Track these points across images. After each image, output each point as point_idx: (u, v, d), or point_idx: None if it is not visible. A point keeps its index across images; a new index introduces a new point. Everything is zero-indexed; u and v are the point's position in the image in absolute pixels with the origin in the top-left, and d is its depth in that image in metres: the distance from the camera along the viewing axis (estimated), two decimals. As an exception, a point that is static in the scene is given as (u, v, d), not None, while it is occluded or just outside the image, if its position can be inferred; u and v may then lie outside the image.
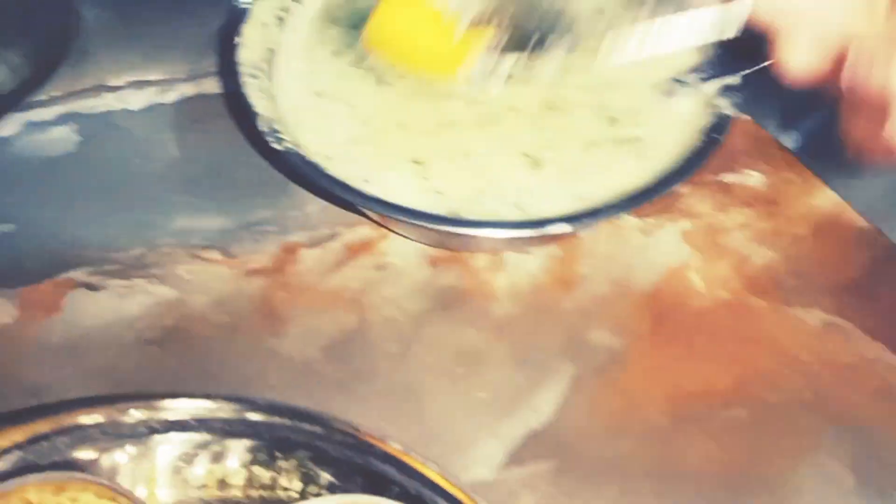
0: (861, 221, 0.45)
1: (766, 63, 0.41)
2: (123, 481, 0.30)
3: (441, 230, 0.35)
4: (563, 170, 0.39)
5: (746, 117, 0.49)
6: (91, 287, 0.40)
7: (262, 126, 0.37)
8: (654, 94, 0.42)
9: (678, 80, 0.42)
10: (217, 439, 0.31)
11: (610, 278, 0.42)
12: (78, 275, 0.41)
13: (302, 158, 0.36)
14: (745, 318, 0.41)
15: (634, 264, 0.43)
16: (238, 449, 0.32)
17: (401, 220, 0.35)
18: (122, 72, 0.49)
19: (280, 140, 0.36)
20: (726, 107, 0.39)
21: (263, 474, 0.32)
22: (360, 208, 0.35)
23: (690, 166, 0.37)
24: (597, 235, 0.43)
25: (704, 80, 0.41)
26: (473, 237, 0.35)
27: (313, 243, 0.43)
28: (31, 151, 0.46)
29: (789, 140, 0.49)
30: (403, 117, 0.40)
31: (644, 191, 0.36)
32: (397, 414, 0.37)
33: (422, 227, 0.35)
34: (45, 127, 0.47)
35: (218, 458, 0.32)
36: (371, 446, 0.29)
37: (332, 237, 0.43)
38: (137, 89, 0.49)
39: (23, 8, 0.45)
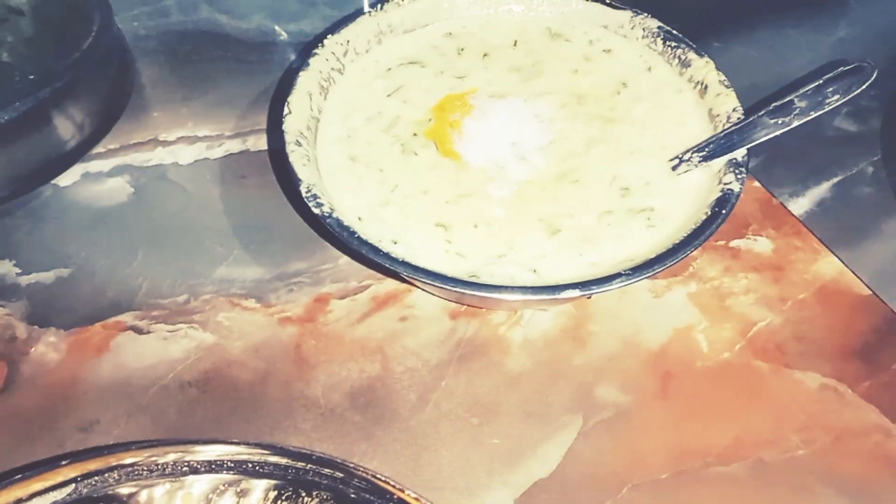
0: (864, 289, 0.47)
1: (770, 136, 0.44)
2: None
3: (461, 292, 0.38)
4: (578, 237, 0.42)
5: (757, 184, 0.52)
6: (138, 330, 0.44)
7: (304, 192, 0.40)
8: (666, 166, 0.45)
9: (681, 159, 0.44)
10: (246, 479, 0.34)
11: (619, 337, 0.45)
12: (127, 318, 0.44)
13: (339, 223, 0.39)
14: (747, 380, 0.43)
15: (643, 324, 0.45)
16: (264, 486, 0.34)
17: (426, 283, 0.38)
18: (174, 127, 0.54)
19: (319, 205, 0.40)
20: (732, 182, 0.42)
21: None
22: (390, 268, 0.38)
23: (697, 239, 0.39)
24: (609, 295, 0.46)
25: (706, 158, 0.44)
26: (491, 298, 0.38)
27: (343, 295, 0.46)
28: (88, 201, 0.50)
29: (798, 206, 0.51)
30: (427, 185, 0.44)
31: (651, 261, 0.39)
32: (414, 459, 0.40)
33: (444, 288, 0.38)
34: (101, 178, 0.51)
35: (245, 493, 0.35)
36: (387, 493, 0.32)
37: (360, 290, 0.46)
38: (188, 144, 0.53)
39: (86, 67, 0.49)
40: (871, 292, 0.47)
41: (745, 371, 0.44)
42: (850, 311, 0.46)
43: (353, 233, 0.39)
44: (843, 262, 0.48)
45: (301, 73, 0.46)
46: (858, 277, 0.48)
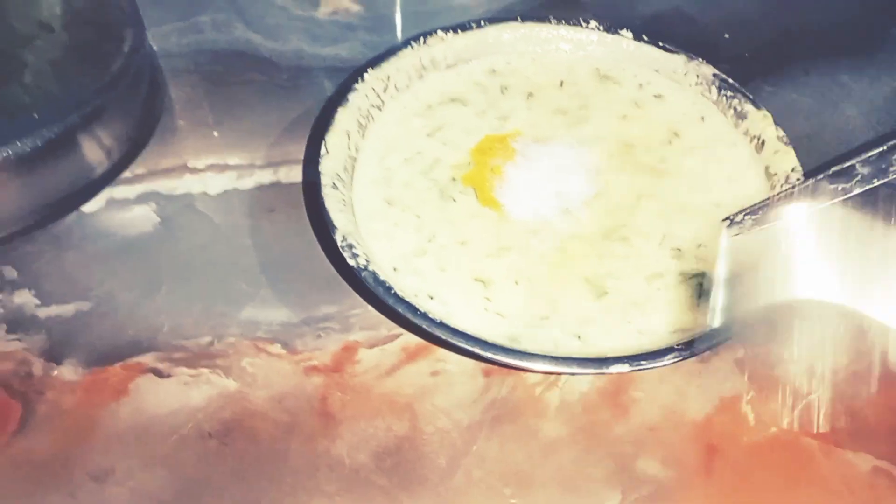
0: (920, 363, 0.45)
1: (828, 203, 0.41)
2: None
3: (501, 361, 0.36)
4: (627, 301, 0.39)
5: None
6: (159, 373, 0.42)
7: (340, 240, 0.38)
8: (720, 226, 0.43)
9: (732, 220, 0.42)
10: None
11: (662, 405, 0.42)
12: (147, 360, 0.42)
13: (375, 277, 0.37)
14: (795, 458, 0.41)
15: (687, 391, 0.43)
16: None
17: (464, 349, 0.36)
18: (204, 154, 0.52)
19: (355, 255, 0.38)
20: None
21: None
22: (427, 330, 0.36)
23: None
24: (651, 359, 0.43)
25: (759, 223, 0.41)
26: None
27: (372, 344, 0.44)
28: (112, 229, 0.48)
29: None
30: (466, 236, 0.42)
31: (706, 335, 0.36)
32: (442, 529, 0.38)
33: (483, 356, 0.36)
34: (127, 205, 0.49)
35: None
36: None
37: (391, 339, 0.44)
38: (217, 173, 0.51)
39: (117, 91, 0.47)
40: (927, 367, 0.44)
41: (793, 448, 0.41)
42: (906, 387, 0.44)
43: (390, 288, 0.37)
44: (899, 332, 0.46)
45: (339, 110, 0.44)
46: (915, 349, 0.45)
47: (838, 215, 0.41)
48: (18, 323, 0.43)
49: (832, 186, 0.41)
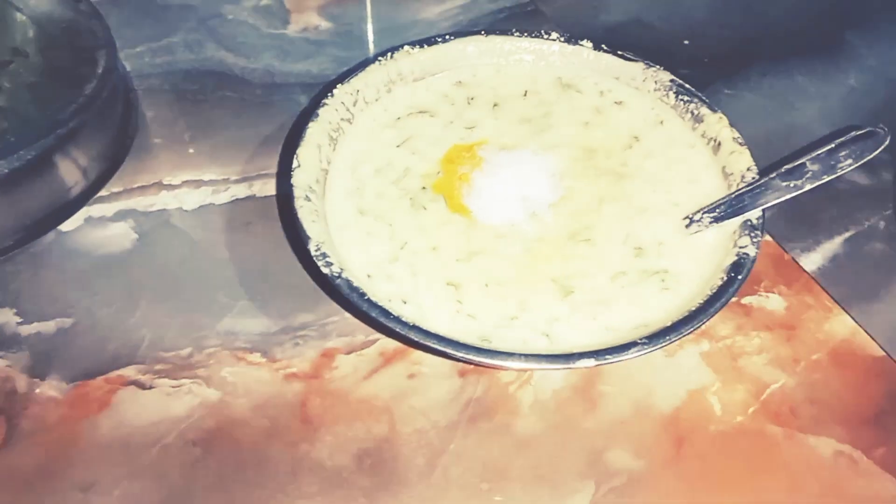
0: (877, 350, 0.46)
1: (781, 199, 0.43)
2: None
3: (472, 360, 0.37)
4: (592, 299, 0.41)
5: (769, 238, 0.52)
6: (141, 385, 0.43)
7: (314, 250, 0.39)
8: (679, 225, 0.44)
9: (692, 219, 0.44)
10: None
11: (631, 398, 0.44)
12: (129, 372, 0.43)
13: (349, 284, 0.38)
14: (760, 445, 0.43)
15: (655, 385, 0.44)
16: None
17: (437, 349, 0.37)
18: (179, 170, 0.53)
19: (329, 264, 0.39)
20: (748, 246, 0.41)
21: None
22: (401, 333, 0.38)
23: (712, 307, 0.39)
24: (620, 354, 0.45)
25: (717, 219, 0.43)
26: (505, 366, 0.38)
27: (350, 350, 0.45)
28: (91, 247, 0.49)
29: (810, 262, 0.50)
30: (437, 242, 0.43)
31: (667, 329, 0.38)
32: (422, 526, 0.39)
33: (455, 356, 0.37)
34: (105, 223, 0.50)
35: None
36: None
37: (368, 344, 0.45)
38: (193, 188, 0.52)
39: (91, 112, 0.48)
40: (884, 353, 0.46)
41: (758, 436, 0.43)
42: (864, 373, 0.46)
43: (363, 294, 0.39)
44: (856, 321, 0.48)
45: (310, 125, 0.46)
46: (872, 337, 0.47)
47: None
48: (0, 341, 0.44)
49: (784, 184, 0.43)
